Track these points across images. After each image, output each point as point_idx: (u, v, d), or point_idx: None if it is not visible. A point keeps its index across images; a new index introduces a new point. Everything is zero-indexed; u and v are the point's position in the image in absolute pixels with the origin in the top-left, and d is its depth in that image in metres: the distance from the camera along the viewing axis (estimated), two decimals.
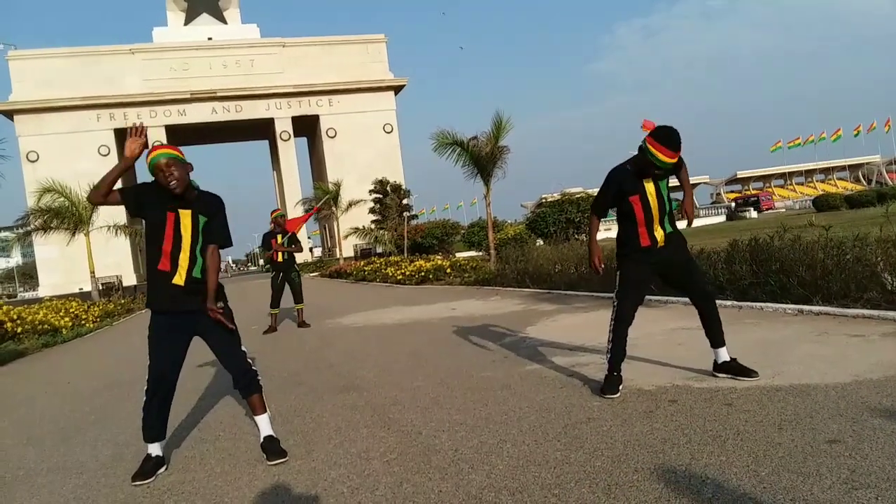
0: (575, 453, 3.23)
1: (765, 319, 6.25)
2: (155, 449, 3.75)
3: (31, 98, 55.10)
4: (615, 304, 4.34)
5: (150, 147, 3.61)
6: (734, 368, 4.23)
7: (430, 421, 4.14)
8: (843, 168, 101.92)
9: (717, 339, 4.29)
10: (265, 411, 3.86)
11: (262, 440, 3.81)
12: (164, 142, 58.89)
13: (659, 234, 4.17)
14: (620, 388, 4.21)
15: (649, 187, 4.12)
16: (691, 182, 4.39)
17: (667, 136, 3.91)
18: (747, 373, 4.16)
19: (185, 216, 3.60)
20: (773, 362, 4.51)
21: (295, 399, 5.26)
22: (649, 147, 3.94)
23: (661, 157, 3.91)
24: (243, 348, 3.85)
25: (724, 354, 4.29)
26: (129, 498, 3.42)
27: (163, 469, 3.75)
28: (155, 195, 3.61)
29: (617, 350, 4.26)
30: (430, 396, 4.80)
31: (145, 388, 3.68)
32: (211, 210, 3.70)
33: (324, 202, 33.00)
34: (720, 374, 4.28)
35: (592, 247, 4.47)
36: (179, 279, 3.58)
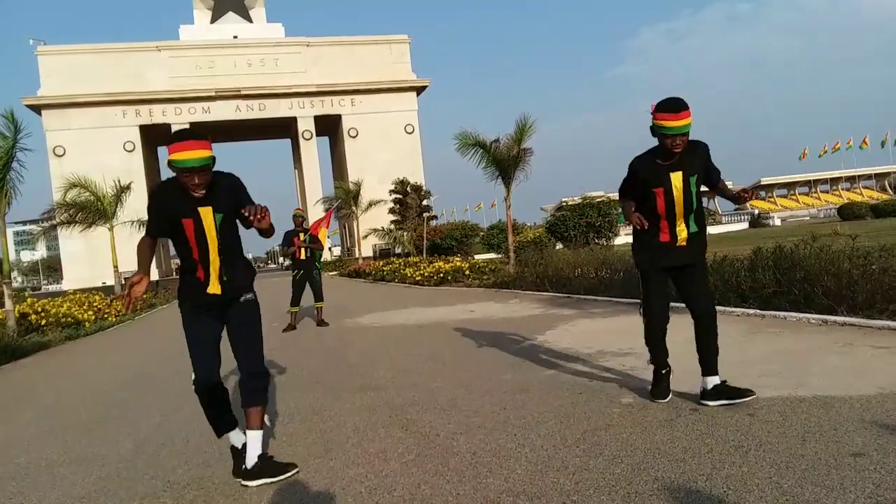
0: (594, 460, 3.21)
1: (788, 329, 6.17)
2: (235, 438, 3.51)
3: (59, 93, 56.04)
4: (641, 310, 4.18)
5: (174, 137, 3.06)
6: (727, 392, 3.85)
7: (448, 423, 4.14)
8: (868, 177, 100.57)
9: (709, 366, 3.93)
10: (261, 427, 3.45)
11: (255, 460, 3.37)
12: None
13: (682, 232, 3.94)
14: (671, 394, 4.10)
15: (676, 180, 3.84)
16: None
17: (666, 103, 3.75)
18: (743, 393, 3.81)
19: (207, 214, 3.17)
20: (796, 373, 4.45)
21: (313, 398, 5.28)
22: (655, 122, 3.77)
23: (667, 123, 3.70)
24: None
25: (713, 381, 3.91)
26: (150, 491, 3.45)
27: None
28: (173, 198, 3.18)
29: (656, 355, 4.13)
30: (448, 398, 4.79)
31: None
32: (233, 199, 3.22)
33: (342, 201, 33.13)
34: (710, 403, 3.85)
35: (628, 211, 4.08)
36: (215, 289, 3.29)
